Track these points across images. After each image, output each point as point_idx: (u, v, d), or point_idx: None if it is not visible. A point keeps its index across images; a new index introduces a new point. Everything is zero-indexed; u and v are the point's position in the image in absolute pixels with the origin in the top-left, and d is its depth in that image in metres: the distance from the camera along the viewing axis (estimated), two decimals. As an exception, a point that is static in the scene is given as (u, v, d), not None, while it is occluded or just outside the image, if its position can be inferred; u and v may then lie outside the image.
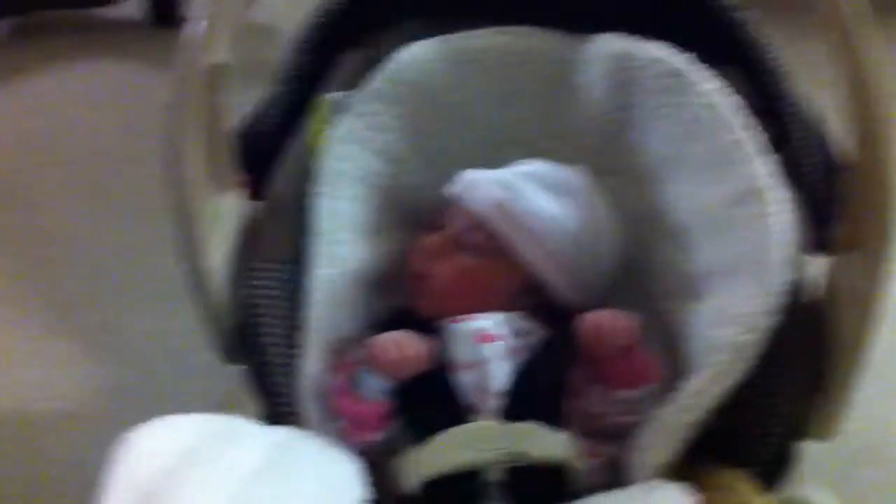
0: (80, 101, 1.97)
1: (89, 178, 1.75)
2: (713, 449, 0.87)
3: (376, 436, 0.91)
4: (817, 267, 0.94)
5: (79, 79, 2.04)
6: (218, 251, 0.96)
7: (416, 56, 1.06)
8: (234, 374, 0.98)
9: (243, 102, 1.14)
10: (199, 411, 0.81)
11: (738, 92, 0.99)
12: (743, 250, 0.91)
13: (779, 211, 0.91)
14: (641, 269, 1.05)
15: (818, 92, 1.07)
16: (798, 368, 0.88)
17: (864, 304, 0.81)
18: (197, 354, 1.26)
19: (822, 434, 0.89)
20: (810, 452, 0.91)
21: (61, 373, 1.38)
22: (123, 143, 1.81)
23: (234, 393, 0.97)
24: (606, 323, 0.89)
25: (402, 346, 0.88)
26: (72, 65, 2.07)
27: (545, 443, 0.86)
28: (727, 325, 0.86)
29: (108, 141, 1.84)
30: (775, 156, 0.95)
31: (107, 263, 1.56)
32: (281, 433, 0.86)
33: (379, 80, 1.06)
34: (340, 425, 0.91)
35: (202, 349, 1.01)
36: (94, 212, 1.67)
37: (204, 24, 0.84)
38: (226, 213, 0.98)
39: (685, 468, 0.84)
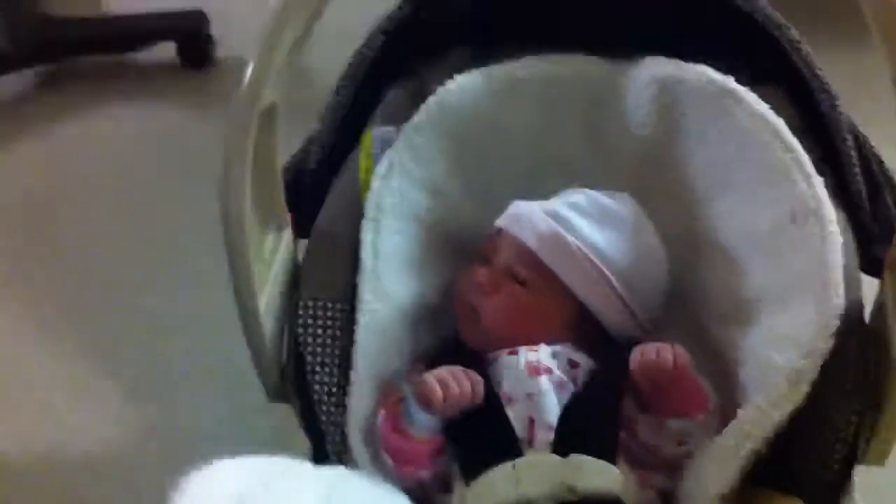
0: (113, 144, 2.00)
1: (125, 217, 1.77)
2: (768, 476, 0.86)
3: (426, 473, 0.90)
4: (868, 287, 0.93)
5: (111, 122, 2.07)
6: (268, 288, 0.96)
7: (460, 88, 1.07)
8: (281, 413, 0.98)
9: (285, 143, 1.16)
10: (247, 452, 0.81)
11: (781, 112, 0.98)
12: (797, 272, 0.90)
13: (832, 231, 0.90)
14: (687, 293, 1.04)
15: (863, 105, 1.07)
16: (854, 392, 0.86)
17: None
18: (243, 393, 1.28)
19: (878, 459, 0.87)
20: (865, 477, 0.89)
21: (102, 414, 1.39)
22: (156, 184, 1.83)
23: (281, 432, 0.96)
24: (658, 354, 0.88)
25: (450, 383, 0.88)
26: (104, 109, 2.10)
27: (598, 476, 0.85)
28: (784, 349, 0.86)
29: (139, 182, 1.86)
30: (822, 176, 0.95)
31: (147, 303, 1.57)
32: (333, 473, 0.86)
33: (423, 113, 1.06)
34: (389, 463, 0.90)
35: (249, 388, 1.01)
36: (131, 252, 1.68)
37: (257, 64, 0.84)
38: (276, 252, 0.99)
39: (741, 498, 0.83)
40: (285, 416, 0.98)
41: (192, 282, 1.56)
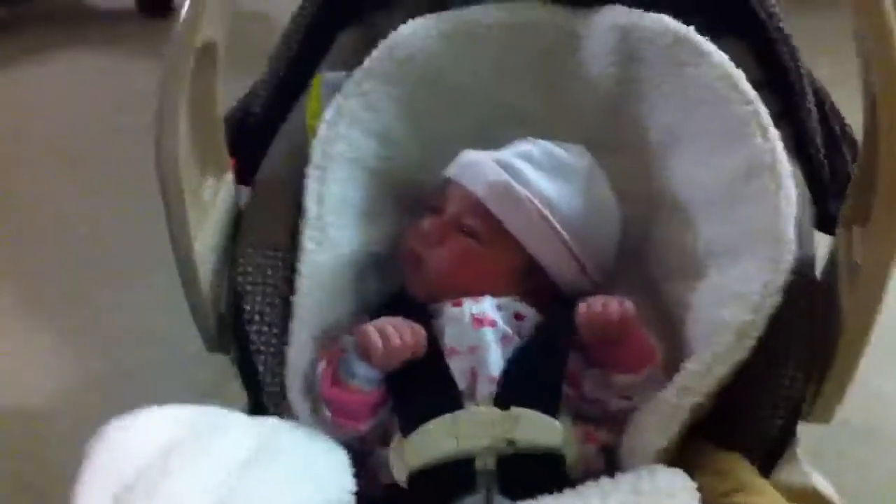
0: (70, 89, 1.96)
1: (76, 167, 1.73)
2: (711, 432, 0.84)
3: (365, 425, 0.88)
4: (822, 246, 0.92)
5: (69, 68, 2.02)
6: (207, 236, 0.93)
7: (413, 33, 1.03)
8: (221, 364, 0.96)
9: (236, 90, 1.13)
10: (184, 402, 0.79)
11: (741, 64, 0.96)
12: (750, 227, 0.88)
13: (787, 186, 0.88)
14: (641, 250, 1.03)
15: (822, 61, 1.05)
16: (802, 349, 0.84)
17: (868, 283, 0.77)
18: (183, 344, 1.26)
19: (822, 416, 0.86)
20: (807, 433, 0.88)
21: (42, 368, 1.36)
22: (111, 130, 1.79)
23: (220, 383, 0.94)
24: (603, 307, 0.86)
25: (391, 333, 0.85)
26: (62, 54, 2.06)
27: (537, 429, 0.83)
28: (730, 304, 0.84)
29: (92, 128, 1.82)
30: (780, 130, 0.92)
31: (90, 254, 1.54)
32: (267, 424, 0.85)
33: (374, 58, 1.03)
34: (328, 415, 0.88)
35: (188, 339, 0.98)
36: (79, 203, 1.65)
37: (192, 2, 0.81)
38: (215, 197, 0.95)
39: (682, 452, 0.81)
40: (224, 366, 0.96)
41: (137, 232, 1.52)
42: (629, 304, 0.87)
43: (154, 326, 1.38)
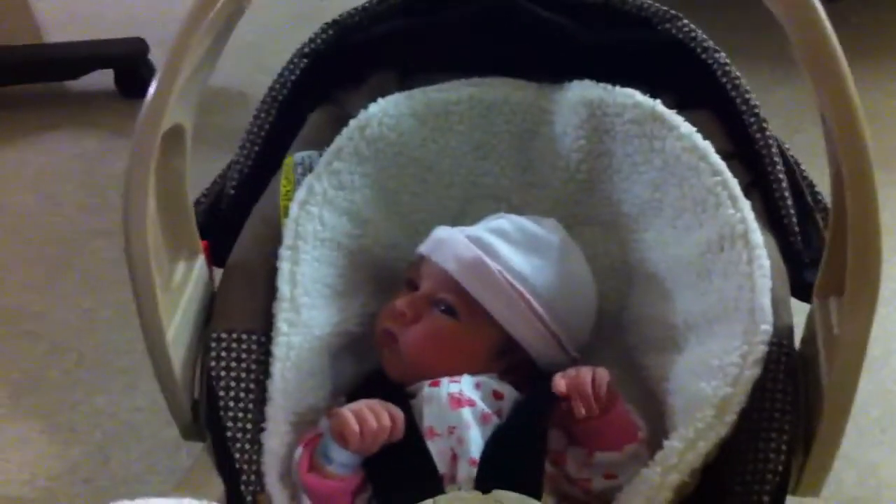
0: (48, 173, 1.94)
1: (51, 253, 1.72)
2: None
3: None
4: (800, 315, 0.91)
5: (46, 151, 2.01)
6: (179, 322, 0.91)
7: (383, 111, 1.03)
8: (196, 452, 0.94)
9: (211, 169, 1.13)
10: (161, 493, 0.77)
11: (710, 136, 0.97)
12: (725, 298, 0.88)
13: (760, 255, 0.88)
14: (619, 323, 1.02)
15: (791, 137, 1.06)
16: (785, 421, 0.83)
17: (846, 353, 0.77)
18: (159, 432, 1.24)
19: (810, 489, 0.84)
20: (800, 504, 0.87)
21: (16, 455, 1.32)
22: (91, 215, 1.78)
23: (197, 472, 0.91)
24: (582, 378, 0.85)
25: (367, 417, 0.84)
26: (40, 138, 2.05)
27: (521, 512, 0.81)
28: (711, 377, 0.83)
29: (74, 213, 1.81)
30: (751, 199, 0.93)
31: (65, 341, 1.51)
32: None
33: (344, 136, 1.03)
34: (307, 503, 0.86)
35: (163, 426, 0.96)
36: (55, 287, 1.63)
37: (158, 87, 0.81)
38: (187, 281, 0.94)
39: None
40: (200, 454, 0.93)
41: (116, 318, 1.51)
42: (604, 371, 0.86)
43: (132, 416, 1.35)
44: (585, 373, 0.86)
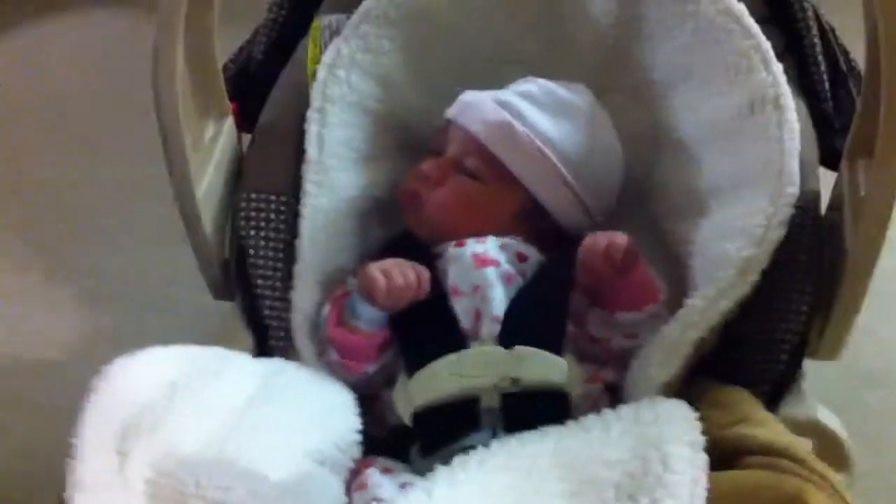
0: (71, 50, 1.94)
1: (76, 125, 1.73)
2: (716, 368, 0.84)
3: (370, 367, 0.89)
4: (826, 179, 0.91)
5: (70, 28, 2.00)
6: (209, 182, 0.93)
7: (411, -25, 1.02)
8: (226, 314, 0.96)
9: (237, 40, 1.12)
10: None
11: (744, 0, 0.95)
12: (753, 161, 0.87)
13: (790, 120, 0.87)
14: (645, 190, 1.02)
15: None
16: (807, 283, 0.84)
17: (871, 215, 0.77)
18: (188, 297, 1.27)
19: (829, 353, 0.86)
20: (817, 376, 0.88)
21: (49, 320, 1.37)
22: (122, 93, 1.78)
23: (225, 332, 0.94)
24: (604, 243, 0.85)
25: (394, 274, 0.85)
26: (62, 15, 2.03)
27: (542, 367, 0.83)
28: (733, 238, 0.83)
29: (107, 91, 1.81)
30: (784, 64, 0.91)
31: (93, 209, 1.54)
32: (272, 364, 0.85)
33: (373, 1, 1.01)
34: (334, 357, 0.88)
35: (194, 291, 0.99)
36: (81, 158, 1.65)
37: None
38: (217, 142, 0.95)
39: (686, 388, 0.81)
40: (230, 314, 0.96)
41: (142, 188, 1.52)
42: (630, 238, 0.86)
43: (161, 282, 1.38)
44: (601, 237, 0.87)
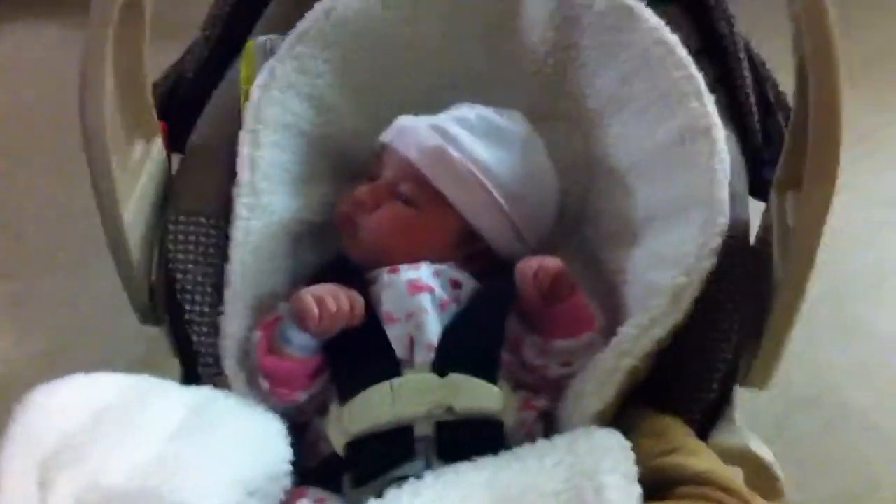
0: (12, 62, 1.90)
1: (6, 140, 1.68)
2: (649, 397, 0.85)
3: (302, 395, 0.87)
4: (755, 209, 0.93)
5: (13, 40, 1.96)
6: (136, 203, 0.90)
7: (349, -3, 1.01)
8: (152, 340, 0.93)
9: (168, 60, 1.10)
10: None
11: (678, 31, 0.96)
12: (684, 191, 0.88)
13: (721, 150, 0.88)
14: (580, 218, 1.03)
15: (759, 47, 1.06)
16: (737, 311, 0.85)
17: (800, 246, 0.78)
18: (117, 320, 1.23)
19: (759, 382, 0.87)
20: (747, 401, 0.89)
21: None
22: (48, 107, 1.74)
23: (154, 354, 0.91)
24: (535, 266, 0.86)
25: (328, 300, 0.84)
26: (8, 26, 1.99)
27: (476, 395, 0.82)
28: (665, 267, 0.84)
29: (32, 104, 1.77)
30: (715, 96, 0.93)
31: (22, 230, 1.49)
32: (200, 392, 0.83)
33: (309, 21, 1.01)
34: (264, 385, 0.86)
35: (121, 314, 0.96)
36: (14, 176, 1.60)
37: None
38: (145, 162, 0.93)
39: (620, 417, 0.81)
40: (157, 339, 0.93)
41: (77, 207, 1.49)
42: (552, 261, 0.86)
43: (90, 307, 1.35)
44: (533, 261, 0.87)
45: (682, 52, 0.94)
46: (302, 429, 0.87)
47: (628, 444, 0.71)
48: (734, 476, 0.72)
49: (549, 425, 0.85)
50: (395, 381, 0.83)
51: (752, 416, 0.99)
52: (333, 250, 0.99)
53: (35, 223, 1.51)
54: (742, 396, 0.88)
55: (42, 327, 1.34)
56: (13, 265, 1.45)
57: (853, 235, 1.41)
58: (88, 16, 0.79)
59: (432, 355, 0.85)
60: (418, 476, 0.71)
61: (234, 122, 0.97)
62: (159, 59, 1.00)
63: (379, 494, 0.69)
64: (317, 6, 1.01)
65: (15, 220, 1.52)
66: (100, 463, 0.67)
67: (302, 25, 1.00)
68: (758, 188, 0.95)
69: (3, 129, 1.72)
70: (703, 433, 0.83)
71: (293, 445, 0.82)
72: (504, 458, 0.73)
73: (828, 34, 0.71)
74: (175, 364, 0.90)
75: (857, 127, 1.57)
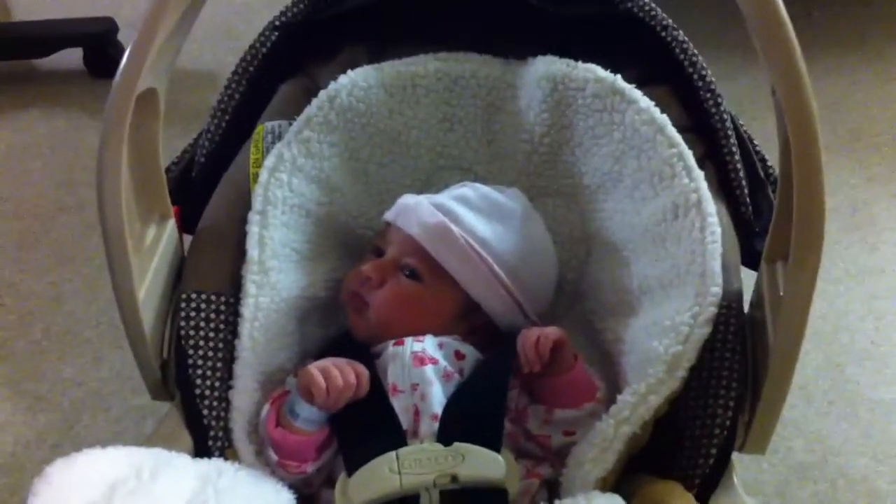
0: (17, 151, 1.95)
1: (18, 226, 1.72)
2: (649, 464, 0.86)
3: (311, 466, 0.89)
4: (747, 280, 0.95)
5: (16, 129, 2.01)
6: (150, 283, 0.94)
7: (352, 83, 1.06)
8: (161, 416, 0.95)
9: (181, 146, 1.14)
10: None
11: (667, 110, 1.00)
12: (678, 263, 0.91)
13: (712, 223, 0.91)
14: (578, 290, 1.06)
15: (749, 125, 1.10)
16: (732, 379, 0.87)
17: (791, 314, 0.81)
18: (126, 401, 1.26)
19: (755, 447, 0.88)
20: (749, 470, 0.90)
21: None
22: (59, 193, 1.79)
23: (166, 427, 0.94)
24: (536, 335, 0.89)
25: (333, 374, 0.86)
26: (9, 116, 2.05)
27: (480, 464, 0.84)
28: (661, 336, 0.87)
29: (43, 190, 1.81)
30: (704, 171, 0.97)
31: (30, 309, 1.52)
32: (211, 464, 0.85)
33: (314, 106, 1.05)
34: (273, 457, 0.88)
35: (130, 395, 0.98)
36: (23, 261, 1.64)
37: (134, 49, 0.83)
38: (158, 244, 0.96)
39: (621, 483, 0.83)
40: (168, 414, 0.95)
41: (83, 291, 1.52)
42: (552, 330, 0.90)
43: (99, 385, 1.37)
44: (535, 331, 0.90)
45: (671, 130, 0.98)
46: (311, 499, 0.88)
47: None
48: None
49: (552, 493, 0.87)
50: (401, 451, 0.85)
51: (755, 484, 1.01)
52: (340, 325, 1.02)
53: (41, 302, 1.54)
54: (744, 464, 0.90)
55: (50, 405, 1.36)
56: (21, 343, 1.47)
57: (850, 306, 1.44)
58: (103, 103, 0.83)
59: (436, 425, 0.87)
60: (425, 544, 0.73)
61: (243, 203, 1.01)
62: (172, 144, 1.04)
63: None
64: (322, 93, 1.06)
65: (21, 299, 1.55)
66: None
67: (308, 111, 1.05)
68: (750, 259, 0.98)
69: (12, 211, 1.76)
70: (703, 498, 0.84)
71: (301, 517, 0.84)
72: (508, 524, 0.74)
73: (807, 111, 0.75)
74: (184, 440, 0.92)
75: (849, 197, 1.62)
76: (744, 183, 1.02)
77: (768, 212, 1.01)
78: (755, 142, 1.08)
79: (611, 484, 0.82)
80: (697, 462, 0.86)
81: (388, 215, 1.01)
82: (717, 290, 0.87)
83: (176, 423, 0.93)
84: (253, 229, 0.98)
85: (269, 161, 1.02)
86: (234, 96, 1.09)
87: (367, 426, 0.88)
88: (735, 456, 0.88)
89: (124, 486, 0.73)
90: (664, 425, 0.86)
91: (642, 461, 0.86)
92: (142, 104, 0.86)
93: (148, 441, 0.89)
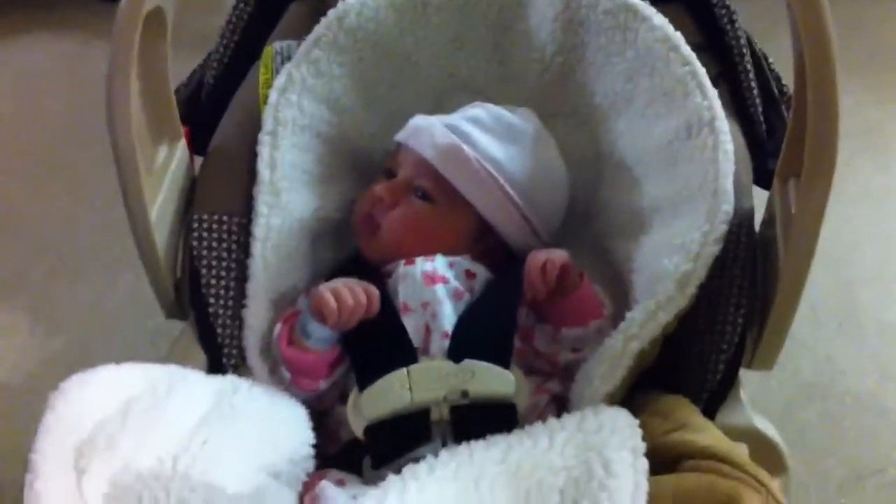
0: (26, 75, 1.94)
1: (30, 151, 1.73)
2: (657, 379, 0.87)
3: (322, 384, 0.91)
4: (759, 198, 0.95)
5: (24, 53, 2.00)
6: (162, 204, 0.94)
7: (361, 3, 1.04)
8: (174, 339, 0.97)
9: (189, 69, 1.14)
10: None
11: (680, 28, 0.99)
12: (690, 182, 0.91)
13: (725, 141, 0.91)
14: (589, 211, 1.06)
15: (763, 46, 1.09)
16: (742, 296, 0.88)
17: (801, 231, 0.81)
18: (140, 323, 1.27)
19: (763, 364, 0.89)
20: (756, 387, 0.91)
21: (1, 344, 1.36)
22: (67, 117, 1.79)
23: (180, 346, 0.95)
24: (543, 259, 0.89)
25: (344, 295, 0.87)
26: (17, 40, 2.03)
27: (490, 380, 0.85)
28: (671, 255, 0.87)
29: (51, 114, 1.81)
30: (719, 90, 0.95)
31: (44, 236, 1.54)
32: (226, 380, 0.86)
33: (323, 27, 1.04)
34: (286, 375, 0.90)
35: (144, 317, 0.99)
36: (33, 184, 1.64)
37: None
38: (169, 165, 0.96)
39: (629, 398, 0.84)
40: (182, 333, 0.97)
41: (95, 215, 1.53)
42: (559, 253, 0.90)
43: (113, 309, 1.38)
44: (542, 254, 0.90)
45: (686, 48, 0.97)
46: (323, 415, 0.90)
47: (636, 421, 0.74)
48: (740, 451, 0.75)
49: (560, 409, 0.88)
50: (412, 367, 0.86)
51: (762, 403, 1.02)
52: (351, 246, 1.03)
53: (56, 226, 1.55)
54: (752, 383, 0.91)
55: (65, 326, 1.38)
56: (35, 266, 1.49)
57: (860, 228, 1.44)
58: (111, 25, 0.83)
59: (447, 343, 0.88)
60: (435, 457, 0.75)
61: (253, 124, 1.01)
62: (180, 67, 1.04)
63: (397, 473, 0.73)
64: (330, 13, 1.04)
65: (36, 226, 1.56)
66: (132, 448, 0.70)
67: (317, 31, 1.04)
68: (762, 177, 0.97)
69: (24, 137, 1.77)
70: (710, 413, 0.86)
71: (315, 432, 0.86)
72: (516, 436, 0.76)
73: (823, 28, 0.74)
74: (198, 359, 0.94)
75: (863, 119, 1.60)
76: (758, 101, 1.01)
77: (782, 130, 1.00)
78: (770, 59, 1.06)
79: (618, 399, 0.84)
80: (705, 377, 0.87)
81: (400, 136, 1.01)
82: (728, 208, 0.87)
83: (189, 342, 0.95)
84: (264, 150, 0.98)
85: (279, 82, 1.02)
86: (243, 17, 1.08)
87: (378, 344, 0.89)
88: (743, 373, 0.89)
89: (140, 400, 0.75)
90: (672, 342, 0.87)
91: (650, 377, 0.87)
92: (150, 23, 0.85)
93: (163, 360, 0.90)
